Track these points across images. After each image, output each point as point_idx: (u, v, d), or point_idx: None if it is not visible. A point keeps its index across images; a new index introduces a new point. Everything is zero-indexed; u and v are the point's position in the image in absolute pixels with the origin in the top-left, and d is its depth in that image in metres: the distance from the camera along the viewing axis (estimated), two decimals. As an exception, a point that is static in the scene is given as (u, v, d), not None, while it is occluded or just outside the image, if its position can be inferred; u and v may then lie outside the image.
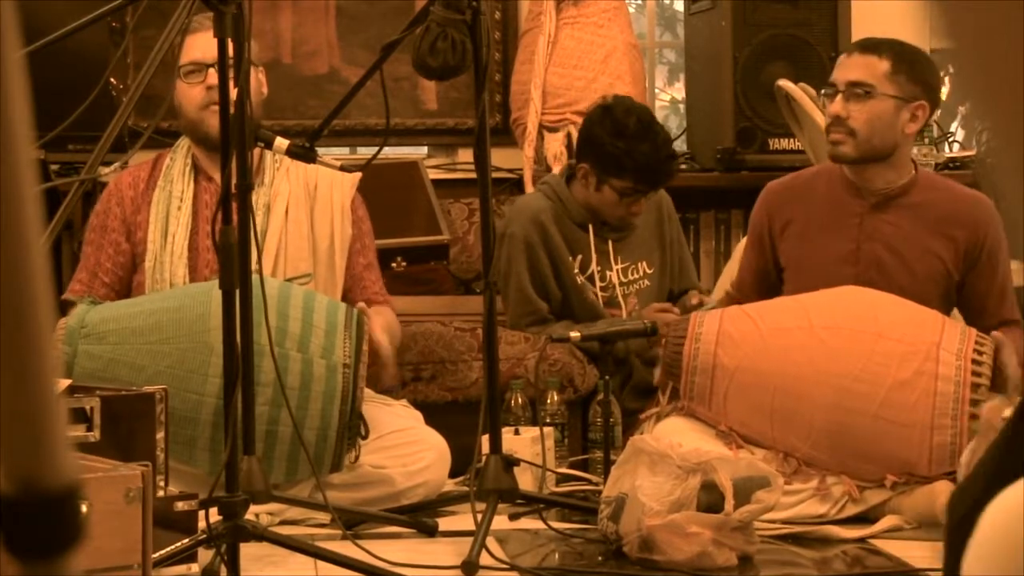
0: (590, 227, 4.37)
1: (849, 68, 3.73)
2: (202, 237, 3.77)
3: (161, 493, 2.91)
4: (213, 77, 3.68)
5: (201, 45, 3.57)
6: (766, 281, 3.94)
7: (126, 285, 3.80)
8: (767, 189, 3.97)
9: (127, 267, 3.82)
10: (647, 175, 4.25)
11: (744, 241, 4.31)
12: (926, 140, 4.90)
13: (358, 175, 3.81)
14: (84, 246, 3.90)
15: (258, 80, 3.78)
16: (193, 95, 3.74)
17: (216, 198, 3.74)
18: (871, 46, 3.74)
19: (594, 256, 4.39)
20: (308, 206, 3.81)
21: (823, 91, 3.87)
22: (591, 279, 4.39)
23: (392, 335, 3.75)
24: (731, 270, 4.35)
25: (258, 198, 3.72)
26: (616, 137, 4.23)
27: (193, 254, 3.76)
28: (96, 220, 3.86)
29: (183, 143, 3.87)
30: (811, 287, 3.69)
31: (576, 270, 4.37)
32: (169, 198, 3.80)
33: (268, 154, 3.75)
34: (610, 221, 4.37)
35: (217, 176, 3.79)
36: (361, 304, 3.69)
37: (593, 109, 4.39)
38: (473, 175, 3.46)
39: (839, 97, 3.71)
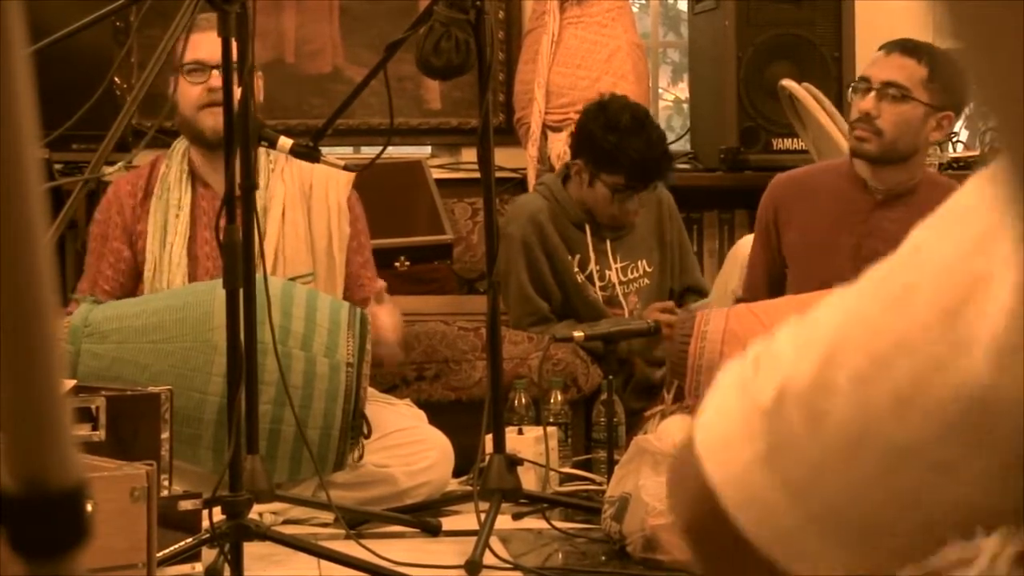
0: (587, 227, 4.38)
1: (886, 67, 3.72)
2: (200, 244, 3.77)
3: (165, 492, 2.91)
4: (215, 79, 3.68)
5: (205, 45, 3.55)
6: (773, 274, 3.94)
7: (128, 292, 3.79)
8: (774, 181, 3.98)
9: (128, 274, 3.81)
10: (638, 171, 4.25)
11: (735, 247, 4.32)
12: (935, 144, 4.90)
13: (353, 173, 3.81)
14: (87, 255, 3.90)
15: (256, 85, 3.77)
16: (192, 94, 3.73)
17: (213, 205, 3.75)
18: (911, 49, 3.73)
19: (592, 256, 4.39)
20: (304, 207, 3.81)
21: (854, 84, 3.85)
22: (590, 278, 4.39)
23: (401, 328, 3.75)
24: (726, 275, 4.35)
25: None
26: (608, 132, 4.24)
27: (192, 262, 3.76)
28: (96, 229, 3.86)
29: (178, 147, 3.86)
30: (812, 280, 3.70)
31: (575, 269, 4.38)
32: (167, 207, 3.79)
33: (263, 156, 3.73)
34: (603, 220, 4.37)
35: (213, 182, 3.78)
36: (381, 283, 3.71)
37: (589, 106, 4.39)
38: (476, 175, 3.46)
39: (872, 95, 3.71)
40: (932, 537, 0.88)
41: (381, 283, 3.75)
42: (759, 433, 0.85)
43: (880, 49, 3.83)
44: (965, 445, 0.79)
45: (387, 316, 3.64)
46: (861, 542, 0.85)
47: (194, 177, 3.82)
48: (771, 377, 0.86)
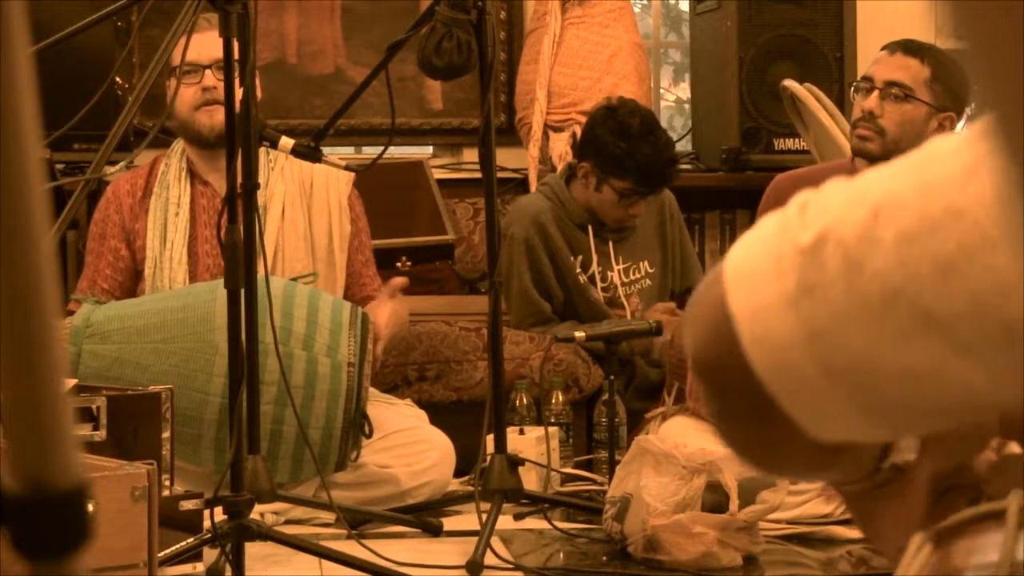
0: (589, 228, 4.38)
1: (890, 67, 3.72)
2: (200, 243, 3.77)
3: (167, 492, 2.91)
4: (208, 78, 3.68)
5: (197, 46, 3.54)
6: None
7: (127, 291, 3.80)
8: (776, 179, 3.98)
9: (127, 273, 3.81)
10: (647, 177, 4.25)
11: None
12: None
13: (354, 172, 3.81)
14: (86, 254, 3.91)
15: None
16: (187, 95, 3.73)
17: (212, 203, 3.75)
18: (914, 49, 3.73)
19: (594, 257, 4.39)
20: (304, 205, 3.81)
21: (856, 83, 3.86)
22: (592, 279, 4.39)
23: (398, 324, 3.74)
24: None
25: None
26: (619, 137, 4.23)
27: (192, 260, 3.76)
28: (95, 228, 3.86)
29: (177, 147, 3.86)
30: None
31: (578, 270, 4.38)
32: (166, 205, 3.79)
33: (263, 155, 3.74)
34: (608, 222, 4.37)
35: (213, 180, 3.79)
36: (396, 279, 3.70)
37: (597, 109, 4.39)
38: (478, 175, 3.46)
39: (875, 94, 3.71)
40: (937, 417, 0.86)
41: (399, 279, 3.75)
42: (790, 271, 0.84)
43: (883, 49, 3.83)
44: (990, 330, 0.78)
45: (383, 313, 3.63)
46: (865, 404, 0.84)
47: (192, 175, 3.83)
48: (815, 221, 0.84)
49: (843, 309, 0.82)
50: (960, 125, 3.84)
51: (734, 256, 0.89)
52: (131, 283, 3.81)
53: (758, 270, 0.86)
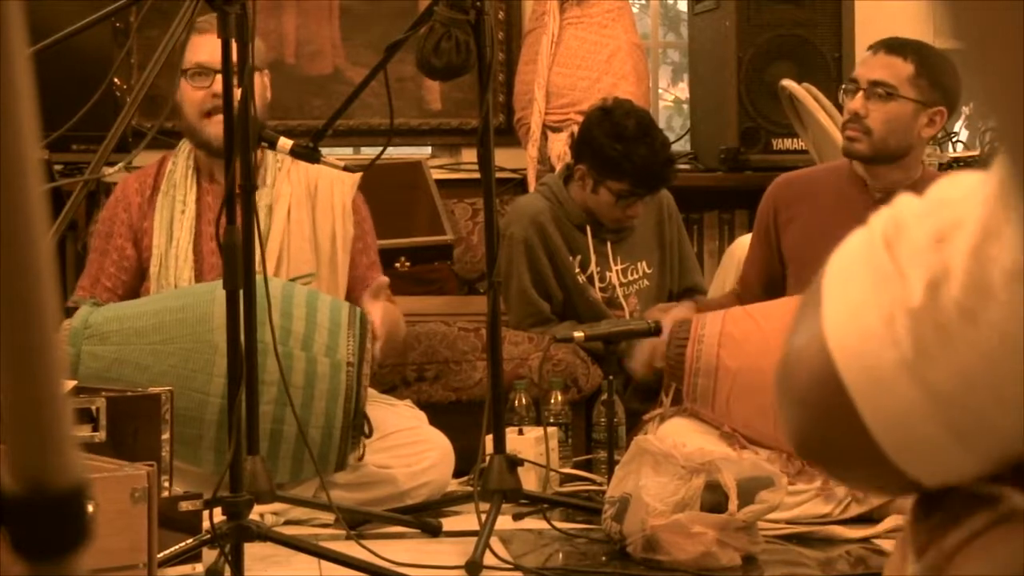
0: (588, 228, 4.38)
1: (873, 67, 3.73)
2: (206, 240, 3.77)
3: (166, 493, 2.91)
4: (219, 84, 3.68)
5: (208, 48, 3.55)
6: (770, 275, 3.94)
7: (130, 290, 3.80)
8: (776, 181, 3.99)
9: (131, 272, 3.81)
10: (644, 178, 4.25)
11: (732, 246, 4.31)
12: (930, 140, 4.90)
13: (358, 174, 3.81)
14: (90, 252, 3.91)
15: (263, 84, 3.77)
16: (196, 99, 3.72)
17: (219, 201, 3.75)
18: (897, 47, 3.74)
19: (593, 257, 4.39)
20: (309, 206, 3.81)
21: (844, 85, 3.87)
22: (590, 280, 4.39)
23: (392, 323, 3.73)
24: (723, 275, 4.35)
25: (260, 199, 3.72)
26: (615, 139, 4.23)
27: (198, 258, 3.76)
28: (102, 226, 3.86)
29: (184, 145, 3.87)
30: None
31: (576, 270, 4.38)
32: (173, 203, 3.80)
33: (269, 155, 3.74)
34: (606, 223, 4.37)
35: (219, 177, 3.79)
36: (381, 279, 3.69)
37: (592, 111, 4.39)
38: (477, 175, 3.46)
39: (860, 94, 3.72)
40: None
41: (383, 279, 3.73)
42: (905, 335, 0.79)
43: (868, 49, 3.84)
44: None
45: (377, 312, 3.62)
46: (992, 456, 0.81)
47: (199, 173, 3.83)
48: (913, 267, 0.80)
49: (966, 366, 0.78)
50: (959, 124, 3.84)
51: (835, 320, 0.84)
52: (135, 282, 3.81)
53: (868, 335, 0.81)
